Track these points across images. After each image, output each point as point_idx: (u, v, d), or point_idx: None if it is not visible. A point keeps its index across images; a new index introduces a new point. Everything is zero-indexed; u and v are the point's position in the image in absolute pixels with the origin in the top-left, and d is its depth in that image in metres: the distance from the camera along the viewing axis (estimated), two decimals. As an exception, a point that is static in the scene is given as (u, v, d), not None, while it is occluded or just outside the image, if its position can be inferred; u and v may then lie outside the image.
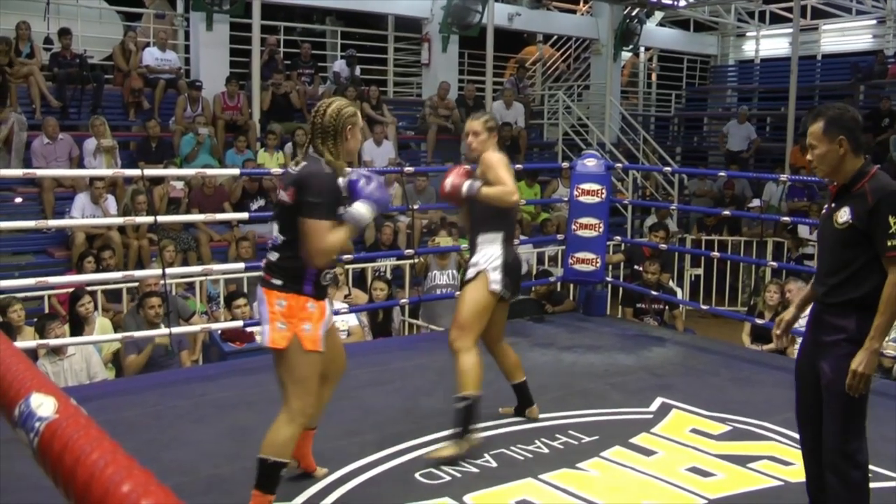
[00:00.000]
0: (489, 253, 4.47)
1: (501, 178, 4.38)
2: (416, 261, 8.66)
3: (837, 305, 3.24)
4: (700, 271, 11.00)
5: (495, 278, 4.43)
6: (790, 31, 15.05)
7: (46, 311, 6.92)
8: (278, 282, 3.43)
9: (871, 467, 4.14)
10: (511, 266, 4.50)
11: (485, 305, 4.45)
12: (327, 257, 3.45)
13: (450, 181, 4.50)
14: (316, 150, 3.50)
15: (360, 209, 3.48)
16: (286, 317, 3.41)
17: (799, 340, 4.12)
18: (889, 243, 3.08)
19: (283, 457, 3.46)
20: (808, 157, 3.32)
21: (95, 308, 7.06)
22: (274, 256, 3.49)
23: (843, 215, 3.22)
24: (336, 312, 6.92)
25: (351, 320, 7.24)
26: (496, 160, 4.45)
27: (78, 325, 6.81)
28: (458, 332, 4.39)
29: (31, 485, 3.81)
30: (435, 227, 10.38)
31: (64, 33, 11.30)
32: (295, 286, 3.43)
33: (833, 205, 3.32)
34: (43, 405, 0.80)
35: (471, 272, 4.51)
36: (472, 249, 4.59)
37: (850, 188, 3.25)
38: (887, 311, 3.10)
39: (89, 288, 7.07)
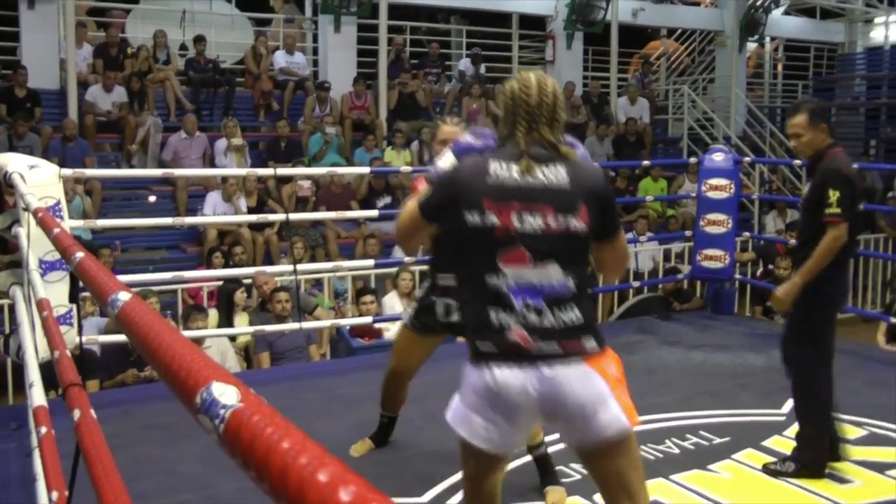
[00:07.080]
0: None
1: None
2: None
3: (801, 261, 3.91)
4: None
5: None
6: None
7: (179, 303, 7.21)
8: (593, 343, 2.43)
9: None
10: None
11: None
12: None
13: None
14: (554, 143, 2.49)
15: None
16: (623, 383, 2.45)
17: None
18: (827, 211, 3.74)
19: None
20: (793, 143, 3.92)
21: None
22: (559, 313, 2.40)
23: (806, 189, 4.03)
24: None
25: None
26: None
27: (229, 316, 7.09)
28: None
29: (164, 469, 4.00)
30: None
31: (198, 40, 11.74)
32: (602, 338, 2.48)
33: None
34: (225, 393, 0.84)
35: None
36: None
37: (814, 166, 3.93)
38: (816, 257, 3.77)
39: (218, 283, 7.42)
